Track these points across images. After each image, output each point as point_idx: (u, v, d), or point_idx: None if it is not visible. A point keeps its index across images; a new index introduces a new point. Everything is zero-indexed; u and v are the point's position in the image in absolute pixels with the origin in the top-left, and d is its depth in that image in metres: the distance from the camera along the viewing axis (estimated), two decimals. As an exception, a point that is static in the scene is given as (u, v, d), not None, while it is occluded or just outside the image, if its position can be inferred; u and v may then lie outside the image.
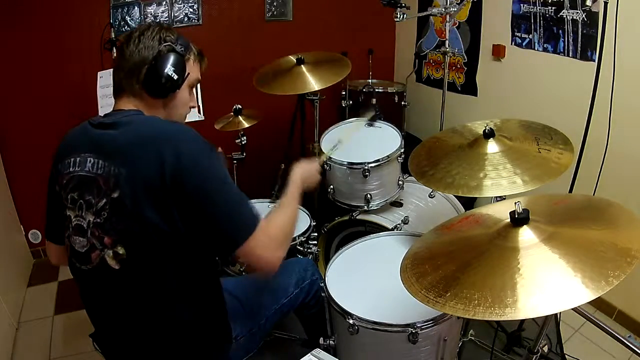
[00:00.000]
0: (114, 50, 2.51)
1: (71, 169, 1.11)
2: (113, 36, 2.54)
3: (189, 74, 1.20)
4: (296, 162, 1.46)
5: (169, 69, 1.14)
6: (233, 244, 1.07)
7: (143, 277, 1.08)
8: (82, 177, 1.09)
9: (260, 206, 2.21)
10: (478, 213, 1.19)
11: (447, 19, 2.41)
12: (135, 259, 1.06)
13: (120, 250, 1.06)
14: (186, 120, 1.30)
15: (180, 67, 1.16)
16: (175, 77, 1.15)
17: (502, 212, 1.06)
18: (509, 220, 0.98)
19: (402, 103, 3.07)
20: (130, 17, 2.79)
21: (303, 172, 1.42)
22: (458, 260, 1.00)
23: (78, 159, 1.11)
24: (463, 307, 0.85)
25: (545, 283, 0.83)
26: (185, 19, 2.95)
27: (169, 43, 1.15)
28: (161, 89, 1.15)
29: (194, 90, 1.29)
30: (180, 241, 1.06)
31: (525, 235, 0.94)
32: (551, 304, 0.79)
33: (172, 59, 1.15)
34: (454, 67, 3.12)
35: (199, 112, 2.24)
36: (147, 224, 1.02)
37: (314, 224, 2.02)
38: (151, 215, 1.02)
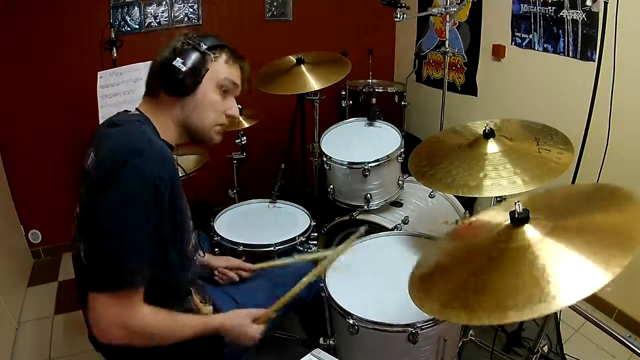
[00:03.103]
0: (114, 50, 2.51)
1: (85, 160, 1.13)
2: (113, 36, 2.54)
3: (207, 70, 1.14)
4: (240, 314, 1.25)
5: (183, 64, 1.10)
6: (90, 284, 1.01)
7: None
8: (84, 170, 1.11)
9: (260, 206, 2.21)
10: (478, 219, 1.19)
11: (447, 19, 2.41)
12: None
13: (85, 249, 1.07)
14: None
15: (196, 62, 1.12)
16: (184, 68, 1.10)
17: (500, 215, 1.05)
18: (509, 221, 0.97)
19: (402, 103, 3.07)
20: (130, 17, 2.79)
21: (235, 323, 1.22)
22: (465, 268, 0.98)
23: (88, 152, 1.12)
24: (477, 316, 0.83)
25: (557, 275, 0.82)
26: (185, 19, 2.95)
27: (188, 40, 1.13)
28: (175, 84, 1.11)
29: (230, 96, 1.23)
30: None
31: (529, 233, 0.93)
32: (569, 295, 0.77)
33: (188, 53, 1.12)
34: (454, 67, 3.12)
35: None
36: (90, 229, 1.04)
37: (314, 224, 2.02)
38: (88, 226, 1.04)
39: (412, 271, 1.09)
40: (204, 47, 1.14)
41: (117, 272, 1.00)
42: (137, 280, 1.02)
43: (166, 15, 2.88)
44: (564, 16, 2.27)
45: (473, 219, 1.19)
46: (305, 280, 1.31)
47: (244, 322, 1.23)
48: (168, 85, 1.12)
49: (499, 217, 1.06)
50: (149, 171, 0.99)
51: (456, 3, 2.39)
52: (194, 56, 1.12)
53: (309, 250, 1.93)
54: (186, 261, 1.19)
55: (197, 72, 1.13)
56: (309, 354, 1.10)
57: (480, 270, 0.94)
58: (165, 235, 1.06)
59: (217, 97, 1.19)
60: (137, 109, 1.19)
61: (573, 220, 0.95)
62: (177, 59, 1.10)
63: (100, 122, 1.39)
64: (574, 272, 0.81)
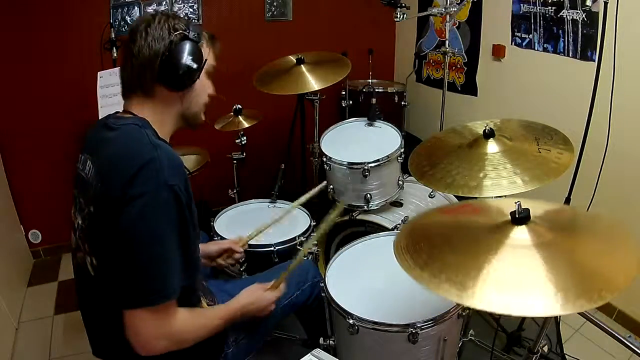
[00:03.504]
0: (114, 50, 2.51)
1: (80, 166, 1.11)
2: (113, 36, 2.54)
3: (206, 60, 1.13)
4: (251, 289, 1.31)
5: (186, 59, 1.06)
6: (126, 301, 0.99)
7: (114, 289, 1.02)
8: (82, 178, 1.09)
9: (260, 206, 2.22)
10: (478, 203, 1.20)
11: (447, 19, 2.41)
12: (105, 272, 1.05)
13: (94, 261, 1.06)
14: None
15: (197, 55, 1.08)
16: (195, 65, 1.08)
17: (503, 207, 1.06)
18: (509, 217, 0.98)
19: (402, 103, 3.07)
20: (130, 17, 2.79)
21: (252, 299, 1.28)
22: (453, 244, 1.00)
23: (83, 157, 1.11)
24: (456, 292, 0.86)
25: (515, 283, 0.85)
26: (185, 19, 2.94)
27: (180, 31, 1.07)
28: (179, 80, 1.08)
29: (210, 77, 1.22)
30: None
31: (520, 234, 0.94)
32: (506, 305, 0.80)
33: (187, 47, 1.06)
34: (454, 67, 3.12)
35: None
36: (108, 243, 0.99)
37: (314, 224, 2.02)
38: (109, 236, 0.99)
39: (400, 231, 1.12)
40: (194, 35, 1.09)
41: (155, 286, 0.98)
42: (175, 290, 1.01)
43: (166, 15, 2.88)
44: (564, 16, 2.27)
45: (472, 201, 1.20)
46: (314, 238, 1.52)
47: (259, 295, 1.30)
48: (171, 81, 1.08)
49: (503, 208, 1.06)
50: (166, 178, 0.97)
51: (456, 3, 2.39)
52: (195, 49, 1.08)
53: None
54: (199, 262, 1.20)
55: (200, 65, 1.11)
56: (309, 354, 1.10)
57: (460, 248, 0.97)
58: (188, 239, 1.05)
59: (207, 82, 1.20)
60: (128, 111, 1.11)
61: (569, 242, 0.95)
62: (185, 53, 1.06)
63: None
64: (524, 289, 0.83)
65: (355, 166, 1.98)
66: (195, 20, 2.95)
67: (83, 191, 1.08)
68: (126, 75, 1.10)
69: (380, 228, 2.01)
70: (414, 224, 1.17)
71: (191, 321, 1.10)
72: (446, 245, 0.98)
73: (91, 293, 1.13)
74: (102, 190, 1.00)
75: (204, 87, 1.18)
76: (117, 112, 1.15)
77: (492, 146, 1.46)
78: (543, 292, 0.81)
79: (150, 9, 2.83)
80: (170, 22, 1.08)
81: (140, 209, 0.95)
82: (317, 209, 2.37)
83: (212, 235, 1.95)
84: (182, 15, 2.84)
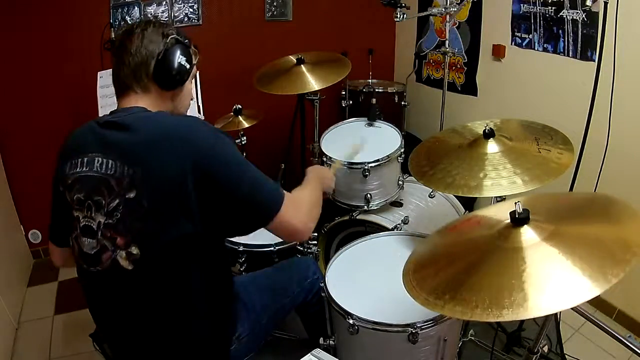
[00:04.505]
0: (114, 50, 2.51)
1: (78, 169, 1.10)
2: (113, 36, 2.54)
3: (196, 63, 1.23)
4: (310, 166, 1.51)
5: (180, 59, 1.16)
6: (265, 219, 1.10)
7: (158, 275, 1.08)
8: (90, 178, 1.07)
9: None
10: (479, 215, 1.19)
11: (447, 19, 2.41)
12: (149, 259, 1.06)
13: (134, 251, 1.05)
14: None
15: (189, 57, 1.19)
16: (188, 66, 1.18)
17: (502, 212, 1.06)
18: (509, 220, 0.98)
19: (402, 103, 3.07)
20: (130, 17, 2.79)
21: (318, 172, 1.47)
22: (459, 262, 0.99)
23: (86, 159, 1.09)
24: (461, 310, 0.85)
25: (546, 282, 0.83)
26: (185, 19, 2.95)
27: (174, 35, 1.17)
28: (172, 80, 1.17)
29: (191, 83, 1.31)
30: (198, 239, 1.07)
31: (527, 234, 0.94)
32: (551, 304, 0.79)
33: (181, 49, 1.17)
34: (454, 67, 3.12)
35: (199, 111, 2.24)
36: (165, 224, 1.03)
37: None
38: (171, 215, 1.02)
39: (407, 259, 1.11)
40: (185, 40, 1.20)
41: (272, 192, 1.12)
42: (280, 187, 1.15)
43: (166, 15, 2.88)
44: (564, 16, 2.27)
45: (472, 214, 1.20)
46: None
47: (324, 171, 1.57)
48: (165, 79, 1.16)
49: (500, 214, 1.06)
50: (213, 127, 1.12)
51: (456, 3, 2.38)
52: (187, 52, 1.18)
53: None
54: None
55: (192, 65, 1.21)
56: (309, 354, 1.10)
57: (470, 265, 0.96)
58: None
59: (191, 86, 1.28)
60: (125, 107, 1.16)
61: (574, 227, 0.95)
62: (178, 55, 1.15)
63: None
64: (556, 284, 0.82)
65: (355, 166, 1.98)
66: (195, 21, 2.95)
67: (96, 189, 1.06)
68: (122, 74, 1.17)
69: (380, 228, 2.01)
70: (419, 256, 1.15)
71: (307, 197, 1.25)
72: (471, 269, 0.95)
73: (127, 291, 1.10)
74: (149, 172, 1.03)
75: (189, 91, 1.27)
76: (112, 112, 1.16)
77: (492, 146, 1.46)
78: (575, 277, 0.81)
79: (150, 9, 2.83)
80: (164, 28, 1.17)
81: (225, 149, 1.08)
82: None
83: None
84: (182, 15, 2.83)
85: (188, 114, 1.31)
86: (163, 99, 1.19)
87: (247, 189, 1.07)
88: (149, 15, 2.84)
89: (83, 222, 1.09)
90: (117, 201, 1.04)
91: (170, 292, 1.10)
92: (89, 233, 1.09)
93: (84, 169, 1.09)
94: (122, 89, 1.18)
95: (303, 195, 1.25)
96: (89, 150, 1.10)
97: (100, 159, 1.07)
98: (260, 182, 1.11)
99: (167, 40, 1.15)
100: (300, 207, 1.17)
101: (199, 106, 2.23)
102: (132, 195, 1.03)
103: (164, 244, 1.05)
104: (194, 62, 1.23)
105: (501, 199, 1.45)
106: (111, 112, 1.16)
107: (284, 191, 1.14)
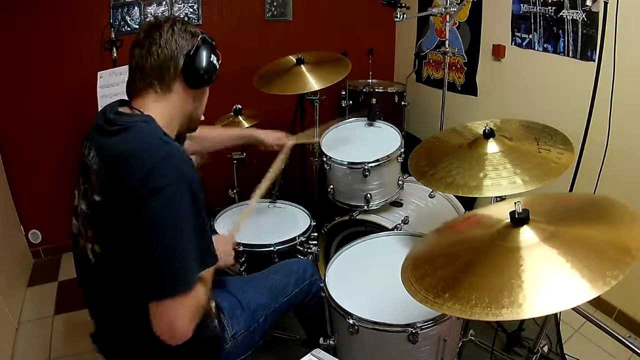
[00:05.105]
0: (114, 50, 2.51)
1: (85, 152, 1.12)
2: (113, 36, 2.54)
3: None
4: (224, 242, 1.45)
5: (212, 58, 1.14)
6: (155, 293, 0.98)
7: (116, 276, 1.07)
8: (87, 165, 1.10)
9: (260, 206, 2.21)
10: (479, 214, 1.20)
11: (447, 19, 2.41)
12: (108, 259, 1.07)
13: (97, 248, 1.08)
14: None
15: (218, 58, 1.17)
16: (217, 66, 1.17)
17: (502, 212, 1.06)
18: (509, 220, 0.98)
19: (402, 103, 3.07)
20: (130, 17, 2.79)
21: (221, 250, 1.30)
22: (458, 261, 1.00)
23: (88, 144, 1.11)
24: (460, 308, 0.85)
25: (544, 283, 0.83)
26: (185, 19, 2.94)
27: (204, 35, 1.15)
28: (200, 78, 1.14)
29: None
30: None
31: (526, 235, 0.94)
32: (549, 305, 0.79)
33: (210, 48, 1.15)
34: (454, 67, 3.12)
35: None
36: (119, 234, 1.01)
37: (314, 224, 2.02)
38: (122, 227, 1.00)
39: (406, 256, 1.12)
40: (213, 42, 1.18)
41: (184, 274, 0.99)
42: (198, 273, 1.04)
43: (166, 15, 2.88)
44: (564, 16, 2.27)
45: (472, 213, 1.20)
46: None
47: (224, 246, 1.42)
48: (196, 78, 1.13)
49: (500, 214, 1.06)
50: (183, 170, 1.01)
51: (456, 3, 2.38)
52: (216, 52, 1.17)
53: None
54: (213, 245, 1.21)
55: (218, 66, 1.18)
56: (309, 354, 1.10)
57: (468, 264, 0.96)
58: (204, 225, 1.08)
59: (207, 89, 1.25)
60: (134, 108, 1.11)
61: (573, 228, 0.96)
62: (209, 53, 1.13)
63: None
64: (555, 285, 0.82)
65: (355, 166, 1.98)
66: (195, 21, 2.95)
67: (88, 178, 1.09)
68: (148, 66, 1.10)
69: (380, 228, 2.01)
70: (418, 253, 1.15)
71: (205, 293, 1.10)
72: (470, 267, 0.95)
73: (91, 280, 1.16)
74: (112, 184, 1.02)
75: (207, 93, 1.25)
76: (118, 108, 1.13)
77: (492, 146, 1.46)
78: (574, 279, 0.81)
79: (150, 9, 2.83)
80: (192, 27, 1.15)
81: (164, 201, 0.97)
82: (317, 209, 2.37)
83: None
84: (182, 15, 2.83)
85: None
86: (186, 98, 1.16)
87: (158, 249, 0.97)
88: (149, 15, 2.84)
89: (76, 202, 1.14)
90: (92, 198, 1.07)
91: (130, 291, 1.06)
92: (75, 214, 1.14)
93: (86, 152, 1.12)
94: (141, 86, 1.12)
95: (202, 298, 1.08)
96: (91, 139, 1.12)
97: (93, 153, 1.09)
98: (178, 256, 0.99)
99: (198, 39, 1.13)
100: (195, 313, 1.03)
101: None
102: (98, 198, 1.05)
103: (119, 251, 1.04)
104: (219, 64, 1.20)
105: (501, 199, 1.45)
106: (117, 113, 1.11)
107: (197, 286, 1.02)
